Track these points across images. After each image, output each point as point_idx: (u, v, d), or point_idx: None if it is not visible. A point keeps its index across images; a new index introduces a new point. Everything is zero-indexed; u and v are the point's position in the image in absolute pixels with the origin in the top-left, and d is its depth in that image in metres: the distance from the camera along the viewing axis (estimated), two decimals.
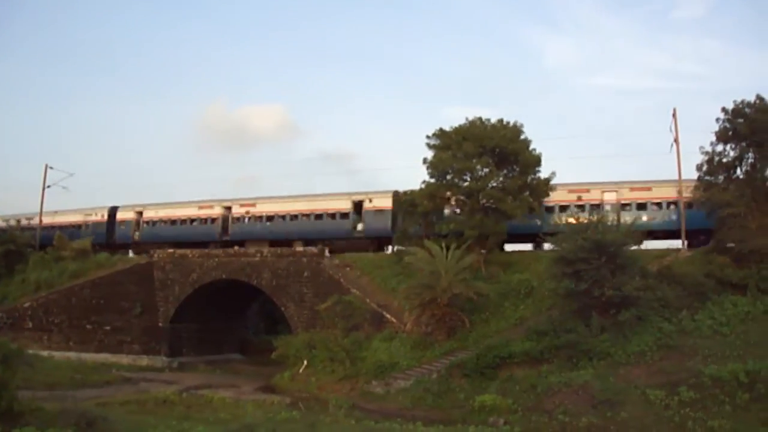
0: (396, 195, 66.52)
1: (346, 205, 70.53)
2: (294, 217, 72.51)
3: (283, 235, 71.76)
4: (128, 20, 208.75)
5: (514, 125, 57.19)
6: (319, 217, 71.48)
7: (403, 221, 62.22)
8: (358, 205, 69.84)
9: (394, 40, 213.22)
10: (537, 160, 56.26)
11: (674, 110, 57.80)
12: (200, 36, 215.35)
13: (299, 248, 64.27)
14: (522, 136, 56.69)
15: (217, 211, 76.46)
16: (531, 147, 56.46)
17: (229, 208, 76.15)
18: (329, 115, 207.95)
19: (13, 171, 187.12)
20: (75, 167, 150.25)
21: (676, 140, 56.75)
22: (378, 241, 68.22)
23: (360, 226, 69.58)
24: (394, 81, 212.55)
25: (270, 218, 73.74)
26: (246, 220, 75.25)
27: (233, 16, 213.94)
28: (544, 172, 56.61)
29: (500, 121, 57.59)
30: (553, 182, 56.87)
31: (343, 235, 69.58)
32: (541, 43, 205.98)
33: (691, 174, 53.56)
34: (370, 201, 69.01)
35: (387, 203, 67.84)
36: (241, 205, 75.72)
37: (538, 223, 57.57)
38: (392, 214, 67.18)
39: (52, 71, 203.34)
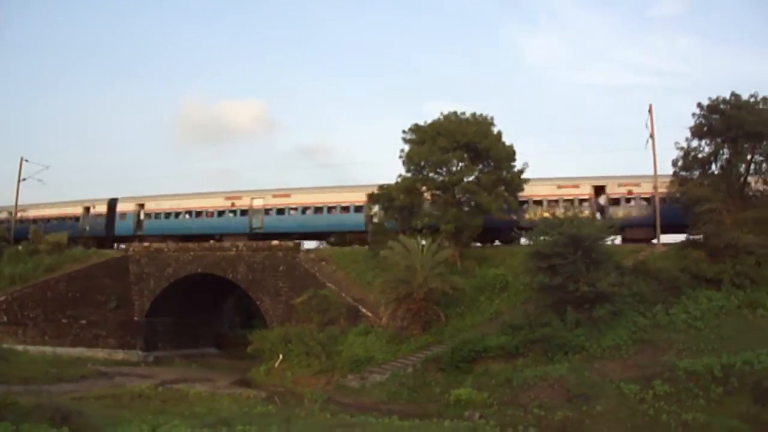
0: (111, 202, 79.29)
1: (79, 211, 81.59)
2: (47, 220, 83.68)
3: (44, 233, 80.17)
4: (106, 11, 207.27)
5: (485, 119, 57.16)
6: (62, 219, 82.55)
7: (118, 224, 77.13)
8: (88, 210, 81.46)
9: (373, 35, 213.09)
10: (509, 154, 56.15)
11: (650, 106, 58.01)
12: (178, 29, 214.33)
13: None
14: (494, 130, 56.60)
15: (3, 215, 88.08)
16: (504, 140, 56.37)
17: (10, 213, 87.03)
18: (308, 110, 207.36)
19: None
20: (51, 160, 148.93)
21: (651, 136, 57.00)
22: (98, 239, 78.96)
23: (87, 227, 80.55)
24: (374, 76, 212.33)
25: (35, 221, 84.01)
26: (22, 222, 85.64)
27: (211, 10, 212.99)
28: (519, 166, 56.68)
29: (473, 115, 57.58)
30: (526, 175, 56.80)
31: (76, 234, 79.09)
32: (520, 39, 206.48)
33: (667, 169, 53.86)
34: (94, 207, 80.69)
35: (104, 209, 79.50)
36: (19, 211, 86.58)
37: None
38: (106, 218, 79.00)
39: (26, 63, 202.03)
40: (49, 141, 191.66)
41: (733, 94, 49.27)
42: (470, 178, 55.52)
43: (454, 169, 55.61)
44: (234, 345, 69.14)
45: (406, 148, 57.44)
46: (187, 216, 74.23)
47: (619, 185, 60.34)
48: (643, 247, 54.51)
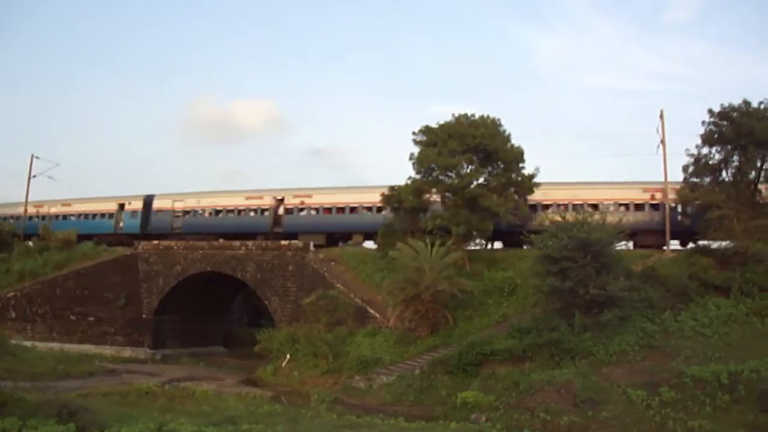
0: None
1: None
2: None
3: None
4: (119, 12, 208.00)
5: (493, 121, 57.07)
6: None
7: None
8: None
9: (383, 36, 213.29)
10: (518, 156, 56.05)
11: (661, 112, 58.15)
12: (189, 30, 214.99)
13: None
14: (502, 131, 56.51)
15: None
16: (512, 142, 56.35)
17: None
18: (318, 111, 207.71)
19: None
20: (62, 158, 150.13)
21: (662, 141, 57.07)
22: None
23: None
24: (384, 77, 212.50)
25: None
26: None
27: (222, 11, 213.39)
28: (529, 169, 56.56)
29: (482, 117, 57.40)
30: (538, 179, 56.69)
31: None
32: (532, 41, 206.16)
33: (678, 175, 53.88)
34: None
35: None
36: None
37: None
38: None
39: (41, 62, 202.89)
40: (63, 139, 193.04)
41: (744, 101, 49.21)
42: (479, 181, 55.51)
43: (463, 171, 55.55)
44: (242, 344, 69.33)
45: (416, 150, 57.41)
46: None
47: (294, 196, 70.98)
48: (652, 253, 54.53)
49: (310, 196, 70.50)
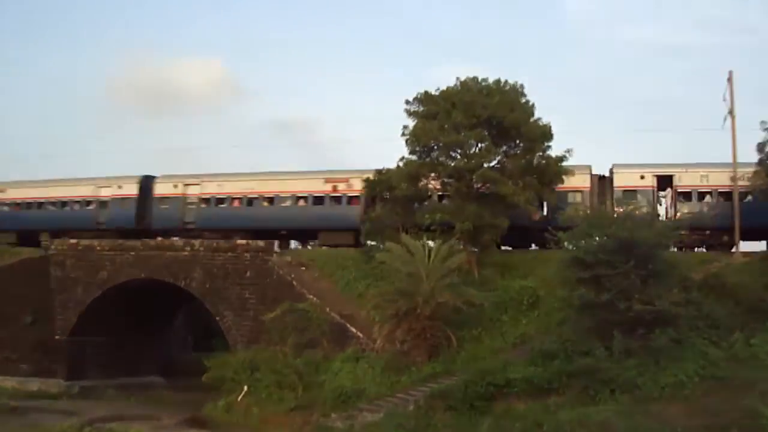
0: None
1: None
2: None
3: None
4: None
5: (513, 87, 56.46)
6: None
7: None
8: None
9: None
10: (544, 133, 55.62)
11: (730, 73, 57.14)
12: None
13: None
14: (524, 101, 56.05)
15: None
16: (537, 116, 56.05)
17: None
18: (281, 75, 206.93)
19: None
20: None
21: (731, 112, 56.19)
22: None
23: None
24: (368, 33, 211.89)
25: None
26: None
27: None
28: (557, 149, 56.06)
29: (497, 82, 56.82)
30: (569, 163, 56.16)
31: None
32: None
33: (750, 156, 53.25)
34: None
35: None
36: None
37: None
38: None
39: None
40: None
41: None
42: (492, 163, 54.93)
43: (471, 151, 54.89)
44: (186, 373, 68.98)
45: (411, 123, 56.83)
46: None
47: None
48: (716, 257, 54.02)
49: (3, 191, 79.39)
